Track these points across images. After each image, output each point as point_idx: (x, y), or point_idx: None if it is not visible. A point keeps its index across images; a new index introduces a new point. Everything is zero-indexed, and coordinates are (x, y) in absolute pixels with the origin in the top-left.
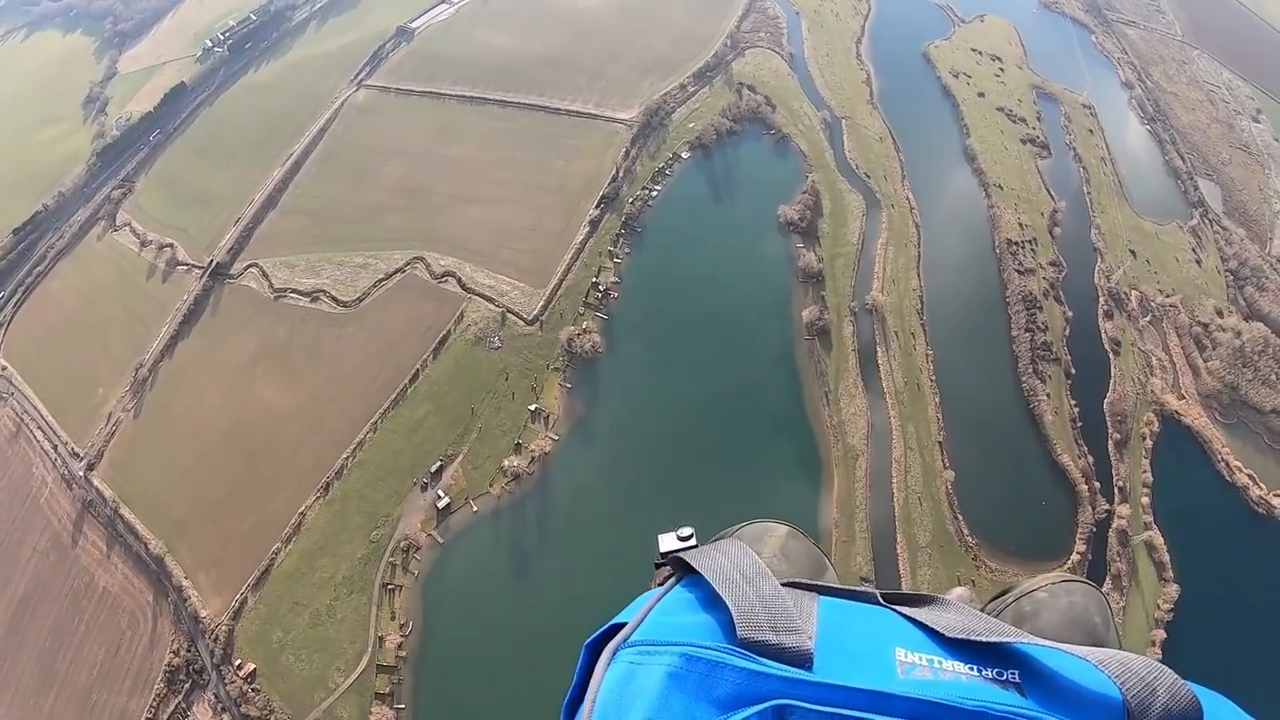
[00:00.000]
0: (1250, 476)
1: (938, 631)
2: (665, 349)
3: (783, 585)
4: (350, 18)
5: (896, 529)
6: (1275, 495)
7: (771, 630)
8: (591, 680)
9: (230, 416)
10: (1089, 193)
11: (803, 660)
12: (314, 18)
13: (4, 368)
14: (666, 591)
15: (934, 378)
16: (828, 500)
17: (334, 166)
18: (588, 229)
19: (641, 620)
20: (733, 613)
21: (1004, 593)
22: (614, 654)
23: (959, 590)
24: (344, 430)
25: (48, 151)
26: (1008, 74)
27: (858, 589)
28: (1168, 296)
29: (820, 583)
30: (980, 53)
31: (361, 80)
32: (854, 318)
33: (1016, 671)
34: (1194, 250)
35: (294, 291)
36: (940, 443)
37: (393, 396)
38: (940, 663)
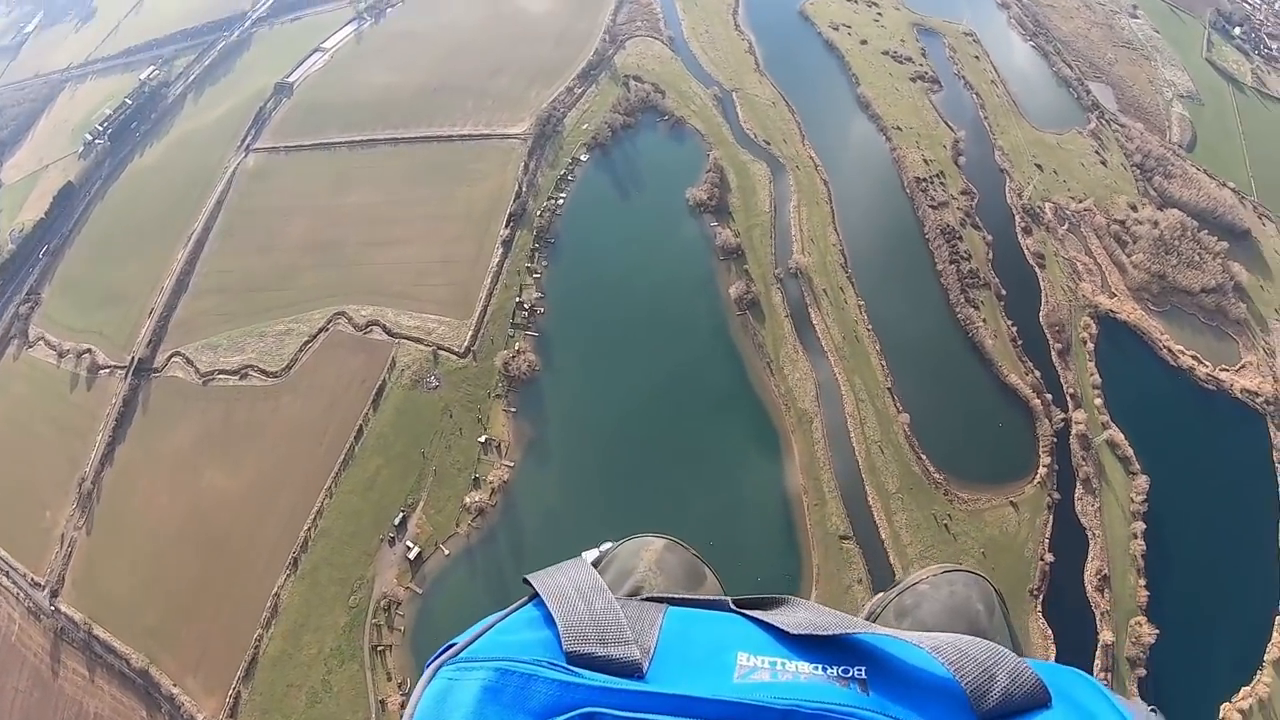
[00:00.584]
0: (1194, 357)
1: (786, 632)
2: (601, 353)
3: (643, 599)
4: (226, 84)
5: (864, 481)
6: (1221, 369)
7: (599, 643)
8: (412, 695)
9: (183, 512)
10: (986, 117)
11: (631, 670)
12: (189, 90)
13: None
14: (513, 610)
15: (870, 326)
16: (791, 468)
17: (237, 237)
18: (502, 250)
19: (474, 639)
20: (559, 627)
21: (892, 587)
22: (436, 671)
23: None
24: (300, 502)
25: None
26: (886, 17)
27: (709, 598)
28: (1080, 202)
29: (670, 595)
30: (856, 1)
31: (249, 145)
32: (781, 284)
33: (863, 667)
34: (1097, 152)
35: (221, 372)
36: (889, 388)
37: (341, 458)
38: (782, 664)
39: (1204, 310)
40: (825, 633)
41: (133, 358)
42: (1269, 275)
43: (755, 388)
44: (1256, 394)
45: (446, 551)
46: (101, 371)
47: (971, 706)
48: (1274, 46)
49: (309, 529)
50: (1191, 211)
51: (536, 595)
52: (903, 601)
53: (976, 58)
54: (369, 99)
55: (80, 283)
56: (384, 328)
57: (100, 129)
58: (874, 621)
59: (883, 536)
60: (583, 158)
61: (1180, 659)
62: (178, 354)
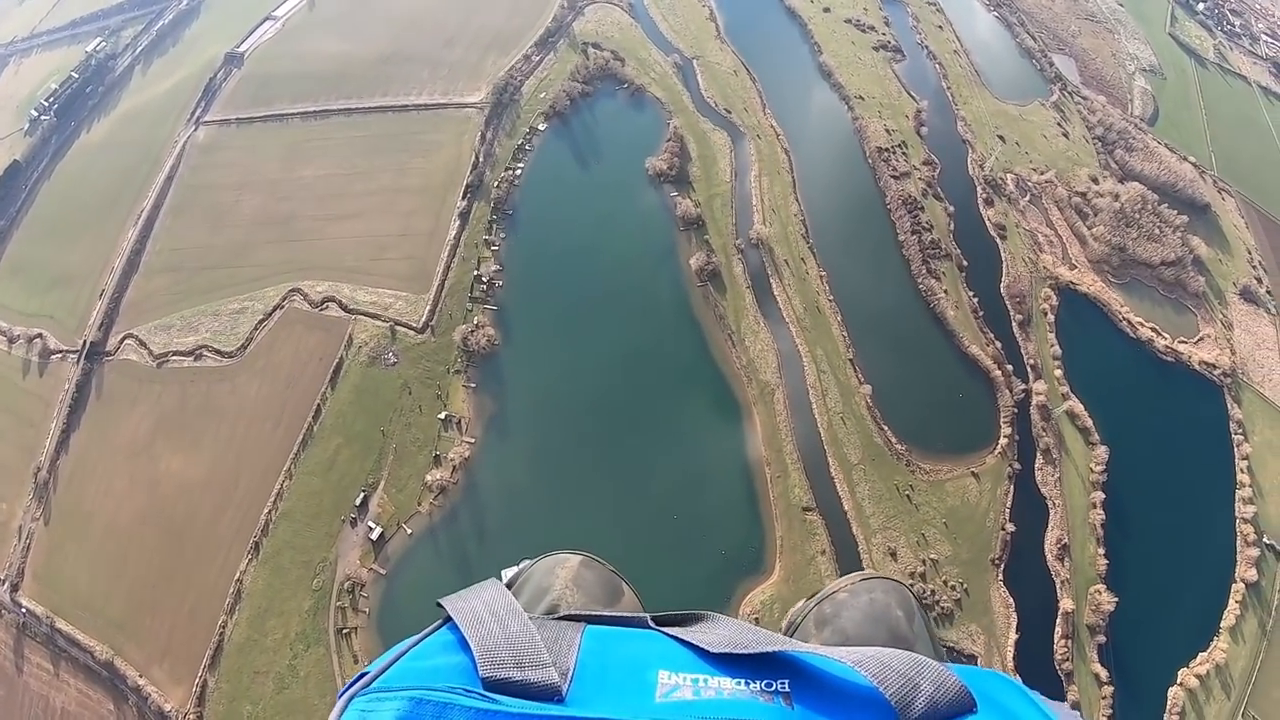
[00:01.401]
0: (1153, 329)
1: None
2: (561, 326)
3: (560, 618)
4: (174, 55)
5: (826, 453)
6: (1180, 341)
7: (516, 667)
8: None
9: (142, 499)
10: (948, 87)
11: (550, 694)
12: (137, 62)
13: None
14: (426, 635)
15: (832, 297)
16: (754, 440)
17: (188, 214)
18: (459, 223)
19: (387, 667)
20: (475, 653)
21: (812, 596)
22: (348, 702)
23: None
24: (259, 485)
25: None
26: None
27: (628, 615)
28: (1042, 174)
29: (588, 613)
30: None
31: (199, 118)
32: (742, 255)
33: (787, 681)
34: (1059, 124)
35: (176, 354)
36: (851, 359)
37: (300, 438)
38: (704, 681)
39: (1163, 283)
40: (746, 651)
41: (85, 341)
42: (1228, 249)
43: (717, 359)
44: (1214, 366)
45: (409, 531)
46: (53, 356)
47: (898, 717)
48: (1236, 23)
49: (270, 512)
50: (1152, 185)
51: (450, 618)
52: (822, 610)
53: (940, 27)
54: (322, 68)
55: (29, 265)
56: (340, 304)
57: (46, 104)
58: (795, 630)
59: (845, 508)
60: (541, 127)
61: (1139, 626)
62: (130, 336)
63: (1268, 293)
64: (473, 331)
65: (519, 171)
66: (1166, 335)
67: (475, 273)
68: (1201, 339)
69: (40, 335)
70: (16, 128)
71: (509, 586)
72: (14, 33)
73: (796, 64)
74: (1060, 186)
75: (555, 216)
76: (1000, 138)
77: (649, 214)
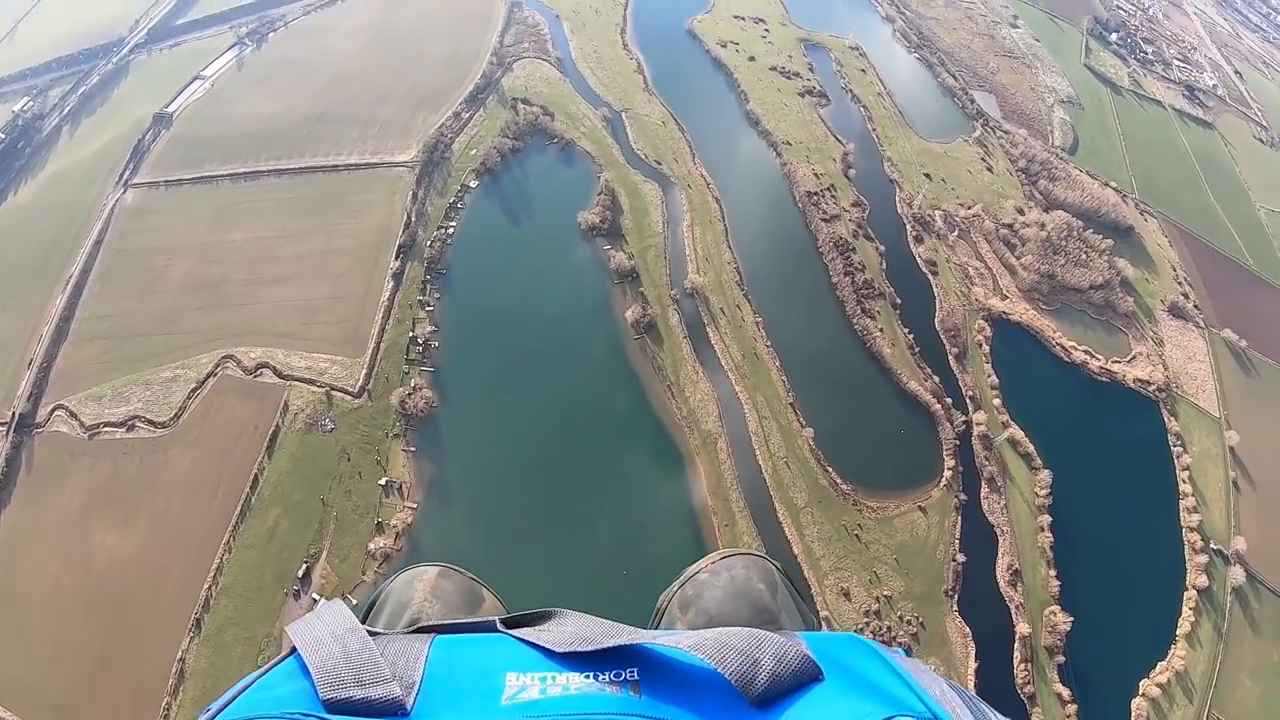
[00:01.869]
0: (1087, 352)
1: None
2: (500, 385)
3: (410, 631)
4: (103, 115)
5: (772, 498)
6: (1114, 362)
7: (356, 685)
8: None
9: (78, 578)
10: (873, 129)
11: (393, 708)
12: (65, 122)
13: None
14: (273, 665)
15: (769, 343)
16: (699, 489)
17: (118, 280)
18: (392, 284)
19: (231, 700)
20: (313, 675)
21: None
22: None
23: None
24: (198, 559)
25: None
26: (774, 33)
27: (476, 620)
28: (969, 208)
29: (437, 623)
30: (743, 18)
31: (127, 180)
32: (677, 305)
33: (635, 669)
34: (983, 159)
35: (107, 425)
36: (791, 403)
37: (238, 510)
38: (553, 679)
39: (1093, 306)
40: (589, 648)
41: (14, 414)
42: (1153, 268)
43: (657, 411)
44: (1148, 382)
45: (354, 601)
46: None
47: (741, 694)
48: (1149, 50)
49: (210, 587)
50: (1076, 212)
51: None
52: (685, 593)
53: (863, 71)
54: (251, 129)
55: None
56: (274, 370)
57: None
58: (661, 616)
59: (795, 552)
60: (472, 184)
61: (1097, 642)
62: (60, 407)
63: (1195, 307)
64: (410, 394)
65: (451, 230)
66: (1100, 357)
67: (410, 334)
68: (1134, 357)
69: None
70: None
71: (371, 605)
72: None
73: (724, 113)
74: (987, 219)
75: (489, 274)
76: (926, 175)
77: (583, 268)
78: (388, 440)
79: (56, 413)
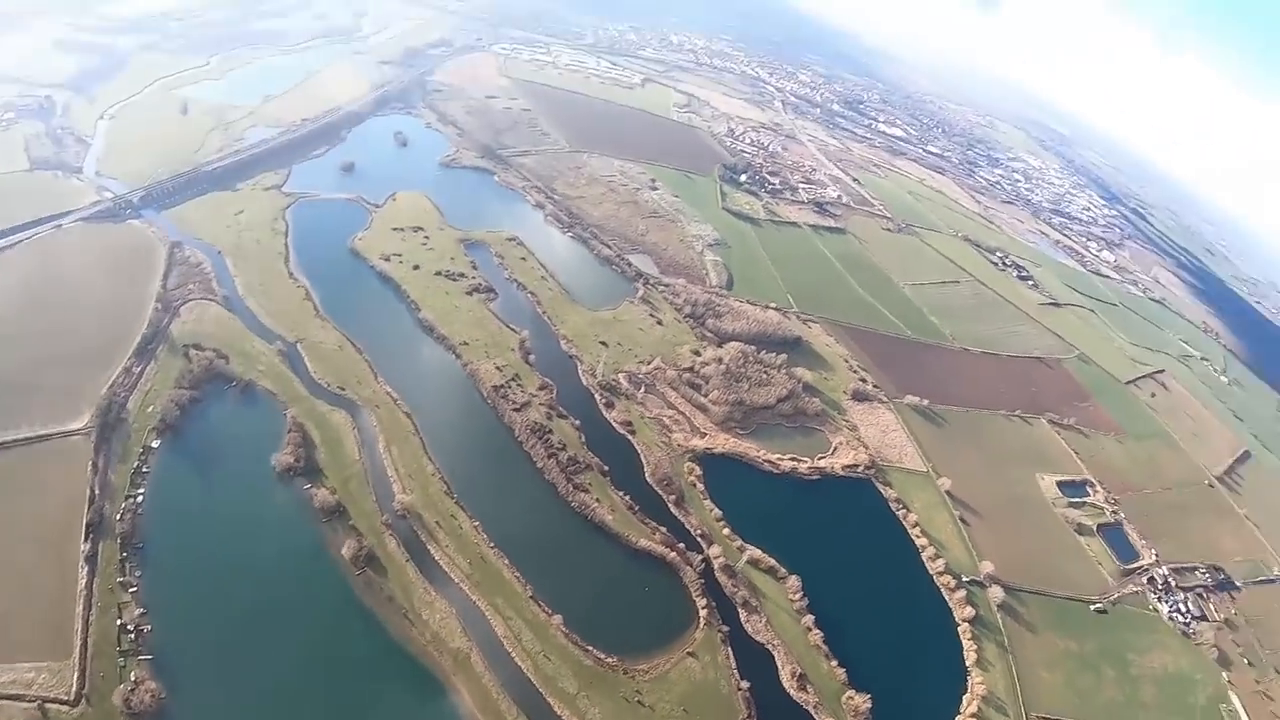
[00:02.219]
0: (793, 459)
1: None
2: (228, 659)
3: None
4: None
5: (543, 695)
6: (820, 459)
7: None
8: None
9: None
10: (544, 312)
11: None
12: None
13: None
14: None
15: (493, 544)
16: (465, 708)
17: None
18: (87, 569)
19: None
20: None
21: None
22: None
23: None
24: None
25: None
26: (433, 239)
27: None
28: (649, 363)
29: None
30: (403, 229)
31: None
32: (391, 530)
33: None
34: (652, 314)
35: None
36: (532, 596)
37: None
38: None
39: (786, 417)
40: None
41: None
42: (828, 367)
43: (400, 642)
44: (856, 465)
45: None
46: None
47: None
48: (775, 181)
49: None
50: (747, 339)
51: None
52: None
53: (524, 259)
54: None
55: None
56: None
57: None
58: None
59: None
60: (154, 444)
61: (901, 705)
62: None
63: (874, 386)
64: (133, 690)
65: (140, 497)
66: (806, 459)
67: (119, 621)
68: (836, 449)
69: None
70: None
71: None
72: None
73: (399, 326)
74: (669, 369)
75: (190, 540)
76: (603, 344)
77: (287, 513)
78: None
79: None
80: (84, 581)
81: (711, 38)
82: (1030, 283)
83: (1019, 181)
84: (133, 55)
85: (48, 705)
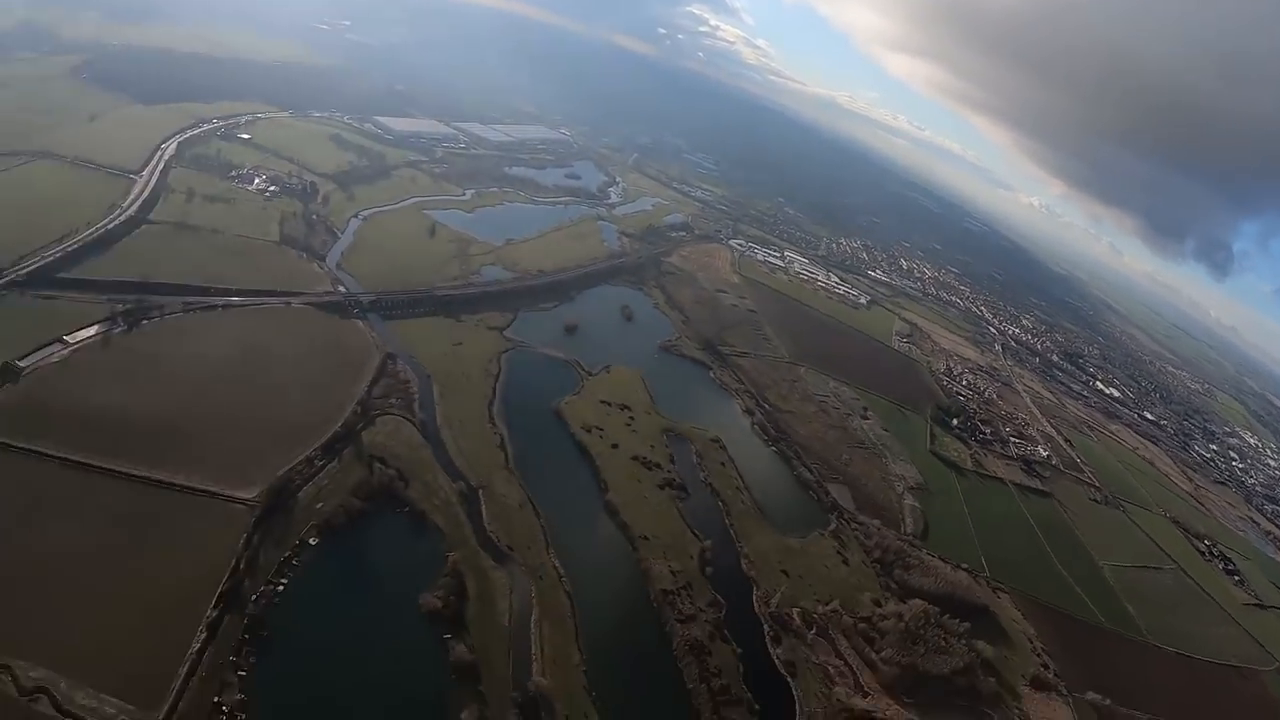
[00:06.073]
0: None
1: None
2: None
3: None
4: None
5: None
6: None
7: None
8: None
9: None
10: (732, 524)
11: None
12: None
13: None
14: None
15: None
16: None
17: None
18: (205, 634)
19: None
20: None
21: None
22: None
23: None
24: None
25: None
26: (638, 421)
27: None
28: (827, 604)
29: None
30: (610, 403)
31: None
32: (519, 711)
33: None
34: (839, 552)
35: None
36: None
37: None
38: None
39: (957, 692)
40: None
41: None
42: (1011, 645)
43: None
44: None
45: None
46: None
47: None
48: (987, 430)
49: None
50: (932, 598)
51: None
52: None
53: (723, 464)
54: (97, 416)
55: None
56: (54, 700)
57: None
58: None
59: None
60: (312, 541)
61: None
62: None
63: (1056, 675)
64: None
65: (282, 587)
66: None
67: (216, 699)
68: None
69: None
70: None
71: None
72: None
73: (583, 500)
74: (845, 615)
75: (316, 648)
76: (784, 572)
77: (419, 656)
78: None
79: None
80: (198, 646)
81: (939, 268)
82: (1236, 578)
83: (1233, 460)
84: (398, 168)
85: None
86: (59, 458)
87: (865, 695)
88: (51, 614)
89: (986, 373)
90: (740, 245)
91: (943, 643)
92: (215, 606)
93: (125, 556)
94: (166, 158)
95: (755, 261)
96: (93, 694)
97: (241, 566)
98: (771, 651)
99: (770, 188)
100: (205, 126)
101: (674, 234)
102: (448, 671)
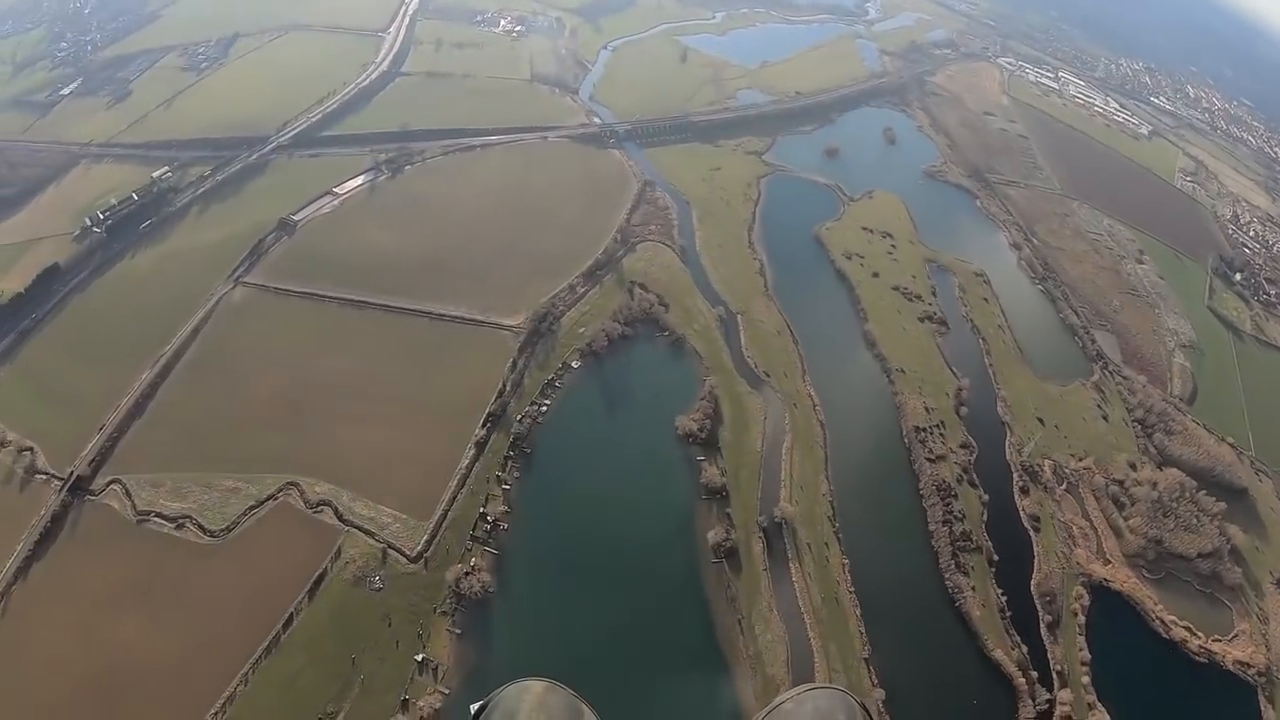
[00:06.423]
0: (1187, 628)
1: None
2: (563, 586)
3: None
4: (232, 205)
5: None
6: (1214, 640)
7: None
8: None
9: (87, 658)
10: (991, 365)
11: None
12: (196, 203)
13: None
14: None
15: (853, 589)
16: None
17: (206, 374)
18: (474, 452)
19: None
20: None
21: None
22: None
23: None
24: (213, 682)
25: None
26: (900, 250)
27: None
28: (1080, 460)
29: None
30: (872, 231)
31: (239, 277)
32: (763, 534)
33: None
34: (1099, 406)
35: (159, 516)
36: (866, 659)
37: (265, 645)
38: None
39: (1199, 576)
40: None
41: (72, 473)
42: (1265, 537)
43: (722, 646)
44: (1249, 665)
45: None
46: (38, 477)
47: None
48: (1273, 292)
49: (217, 715)
50: (1190, 470)
51: None
52: None
53: (986, 300)
54: (369, 258)
55: (41, 374)
56: (336, 511)
57: (101, 217)
58: None
59: None
60: (574, 364)
61: None
62: (118, 482)
63: None
64: (467, 574)
65: (545, 408)
66: (1200, 634)
67: (481, 510)
68: (1236, 636)
69: (31, 450)
70: (67, 230)
71: (479, 712)
72: (92, 134)
73: (842, 329)
74: (1098, 474)
75: (574, 464)
76: (1040, 420)
77: (672, 476)
78: (434, 615)
79: (112, 485)
80: (467, 462)
81: (1231, 99)
82: None
83: None
84: None
85: (390, 551)
86: (337, 297)
87: (1106, 563)
88: (334, 436)
89: (1278, 225)
90: (1010, 64)
91: (1194, 520)
92: (483, 426)
93: (401, 382)
94: (411, 11)
95: (1026, 82)
96: (371, 505)
97: (507, 389)
98: (1017, 502)
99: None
100: None
101: (938, 51)
102: (698, 492)
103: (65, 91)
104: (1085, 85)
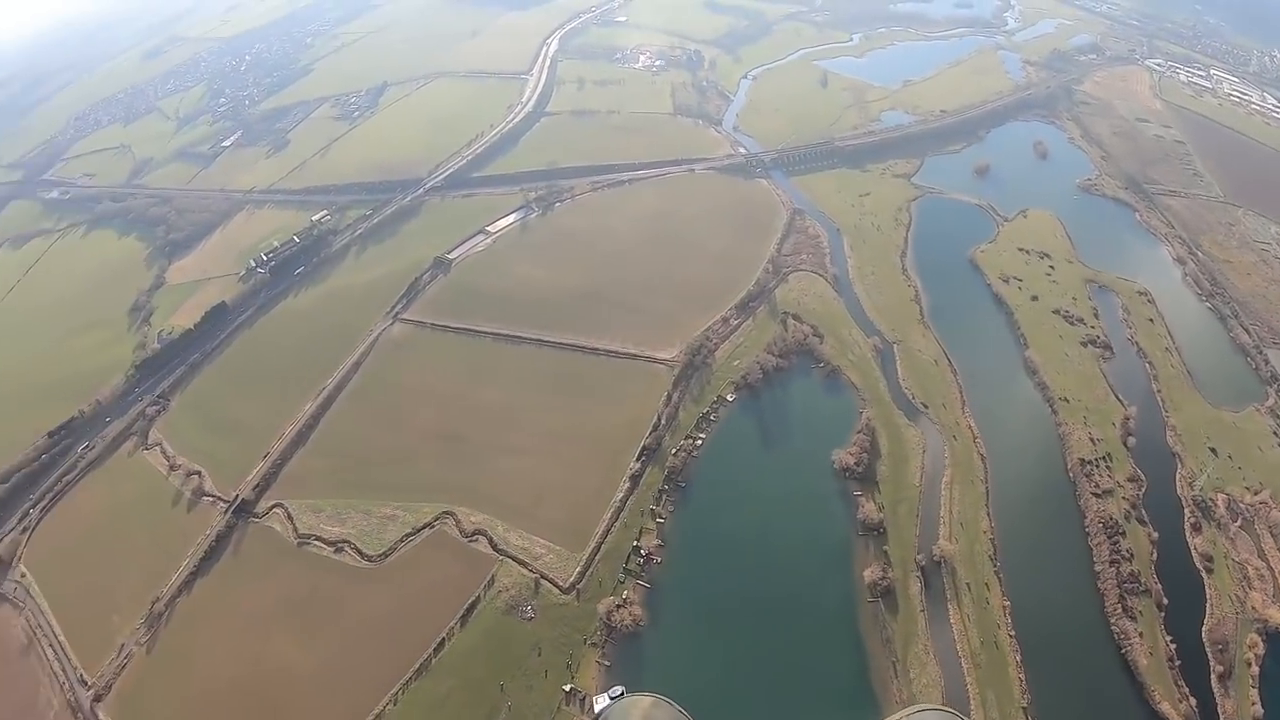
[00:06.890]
0: None
1: None
2: (714, 623)
3: None
4: (389, 246)
5: None
6: None
7: None
8: None
9: (244, 669)
10: (1159, 390)
11: None
12: (354, 244)
13: (24, 575)
14: None
15: (1013, 632)
16: None
17: (366, 406)
18: (628, 485)
19: None
20: None
21: None
22: None
23: None
24: (361, 699)
25: (90, 357)
26: (1058, 270)
27: None
28: (1256, 494)
29: None
30: (1028, 251)
31: (398, 313)
32: (921, 573)
33: None
34: (1276, 433)
35: (318, 539)
36: (1025, 708)
37: (416, 666)
38: None
39: None
40: None
41: (238, 496)
42: None
43: (875, 689)
44: None
45: None
46: (205, 498)
47: None
48: None
49: None
50: None
51: None
52: None
53: (1151, 320)
54: (522, 293)
55: (209, 403)
56: (490, 540)
57: (265, 258)
58: None
59: None
60: (729, 397)
61: None
62: (280, 505)
63: None
64: (619, 606)
65: (700, 441)
66: None
67: (635, 543)
68: None
69: (199, 473)
70: (233, 271)
71: None
72: (254, 182)
73: (1001, 357)
74: (1276, 509)
75: (729, 498)
76: (1213, 450)
77: (828, 512)
78: (584, 646)
79: (275, 509)
80: (621, 495)
81: None
82: None
83: None
84: (778, 23)
85: (543, 582)
86: (491, 333)
87: None
88: (489, 467)
89: None
90: (1159, 65)
91: None
92: (638, 459)
93: (555, 414)
94: (551, 53)
95: (1178, 84)
96: (525, 535)
97: (662, 423)
98: (1189, 540)
99: None
100: (582, 18)
101: (1083, 58)
102: (854, 528)
103: (226, 143)
104: (1239, 82)
